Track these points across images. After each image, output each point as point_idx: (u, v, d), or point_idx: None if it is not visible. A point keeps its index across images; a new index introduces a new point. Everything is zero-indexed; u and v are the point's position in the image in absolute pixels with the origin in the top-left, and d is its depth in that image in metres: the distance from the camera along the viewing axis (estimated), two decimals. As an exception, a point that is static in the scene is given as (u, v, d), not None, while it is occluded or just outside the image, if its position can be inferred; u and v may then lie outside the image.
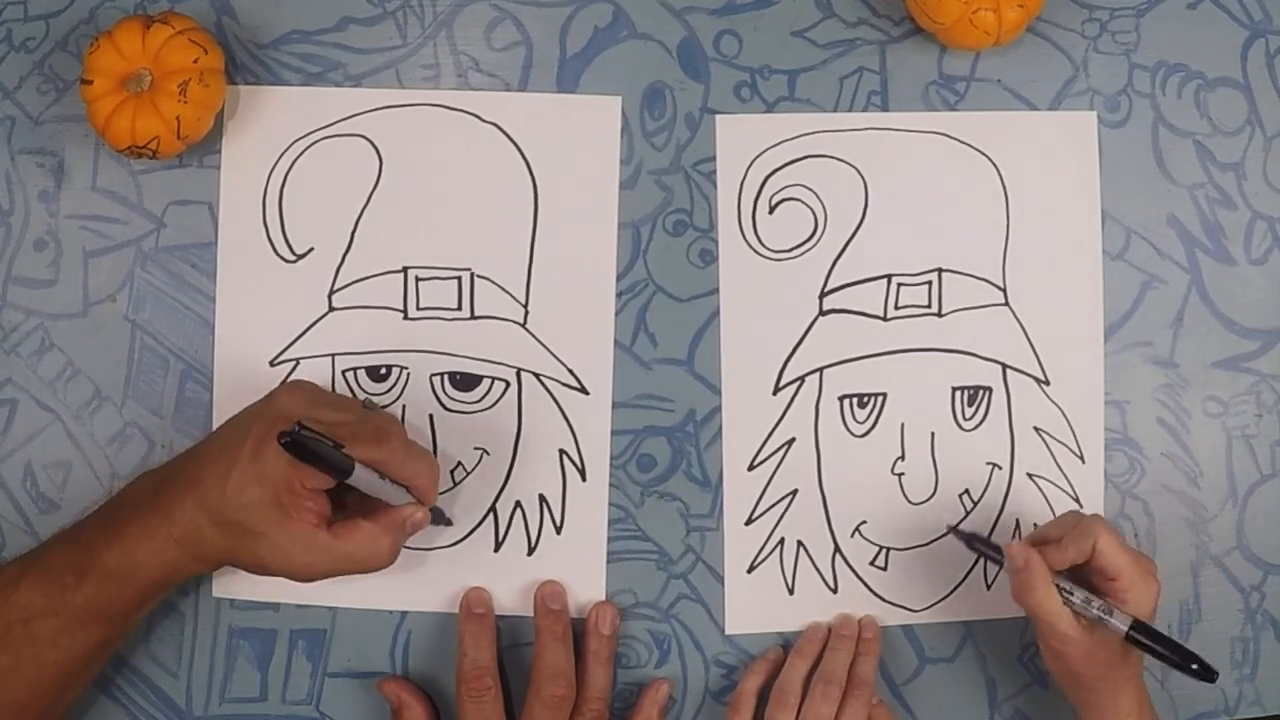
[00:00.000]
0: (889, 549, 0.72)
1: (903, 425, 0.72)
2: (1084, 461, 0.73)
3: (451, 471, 0.70)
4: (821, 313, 0.72)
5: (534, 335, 0.71)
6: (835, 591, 0.72)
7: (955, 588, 0.72)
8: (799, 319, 0.72)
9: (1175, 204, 0.74)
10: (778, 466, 0.72)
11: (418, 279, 0.71)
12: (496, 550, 0.71)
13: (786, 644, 0.72)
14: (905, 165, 0.72)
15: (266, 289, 0.70)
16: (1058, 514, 0.72)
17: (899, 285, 0.72)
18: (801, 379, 0.72)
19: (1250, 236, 0.74)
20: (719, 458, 0.72)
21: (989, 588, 0.73)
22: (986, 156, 0.73)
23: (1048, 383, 0.73)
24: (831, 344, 0.72)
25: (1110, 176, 0.73)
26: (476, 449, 0.71)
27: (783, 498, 0.72)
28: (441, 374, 0.71)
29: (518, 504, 0.71)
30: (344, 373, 0.71)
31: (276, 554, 0.61)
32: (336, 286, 0.71)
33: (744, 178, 0.72)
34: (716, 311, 0.72)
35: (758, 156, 0.72)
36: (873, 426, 0.72)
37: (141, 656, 0.70)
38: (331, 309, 0.71)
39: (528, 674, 0.68)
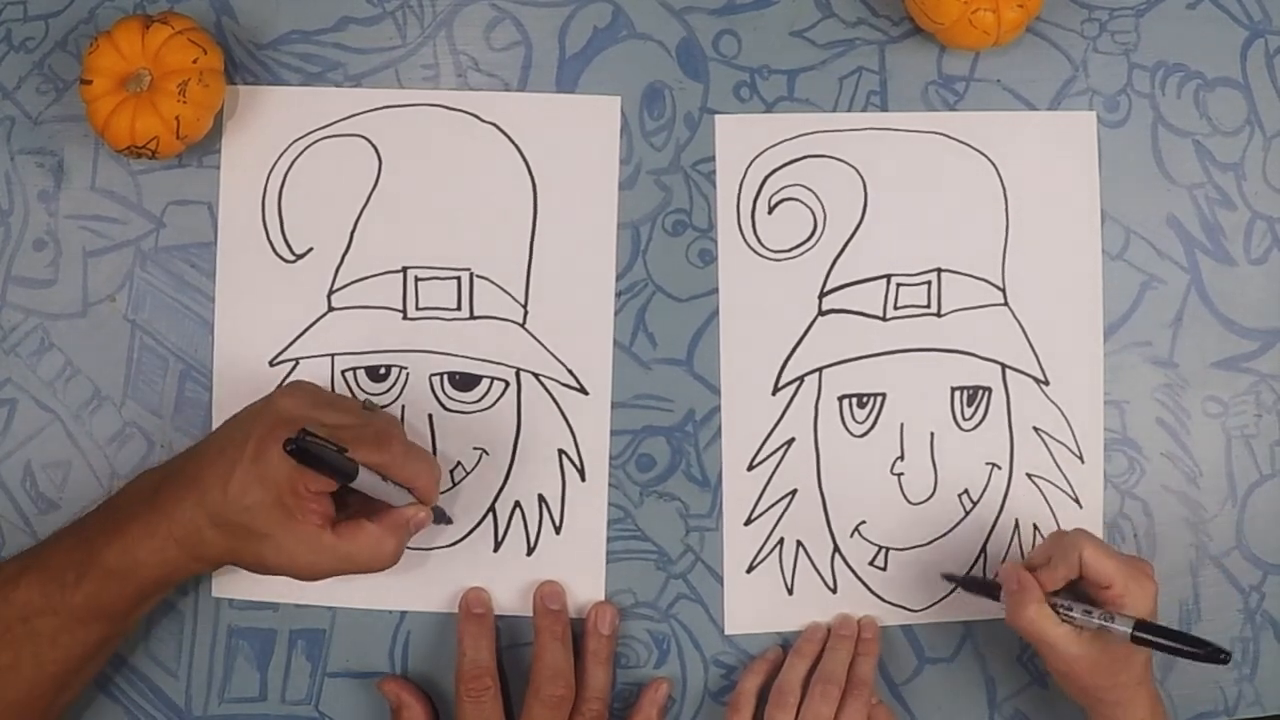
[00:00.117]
0: (888, 549, 0.72)
1: (902, 425, 0.72)
2: (1083, 461, 0.73)
3: (451, 471, 0.70)
4: (821, 313, 0.72)
5: (533, 335, 0.71)
6: (835, 591, 0.72)
7: (955, 588, 0.72)
8: (798, 319, 0.72)
9: (1175, 204, 0.74)
10: (777, 466, 0.72)
11: (417, 279, 0.71)
12: (496, 550, 0.71)
13: (786, 644, 0.72)
14: (904, 165, 0.72)
15: (266, 289, 0.70)
16: (1058, 514, 0.73)
17: (898, 285, 0.72)
18: (801, 379, 0.72)
19: (1250, 236, 0.74)
20: (718, 458, 0.72)
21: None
22: (986, 156, 0.73)
23: (1047, 383, 0.73)
24: (831, 344, 0.72)
25: (1110, 176, 0.73)
26: (476, 449, 0.71)
27: (782, 498, 0.72)
28: (441, 374, 0.71)
29: (517, 504, 0.71)
30: (343, 373, 0.71)
31: (280, 554, 0.61)
32: (336, 286, 0.71)
33: (743, 178, 0.72)
34: (716, 311, 0.72)
35: (757, 156, 0.72)
36: (872, 426, 0.72)
37: (141, 656, 0.70)
38: (331, 309, 0.71)
39: (527, 674, 0.68)
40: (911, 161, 0.73)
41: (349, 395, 0.70)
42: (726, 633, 0.72)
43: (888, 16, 0.73)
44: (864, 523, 0.72)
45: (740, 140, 0.72)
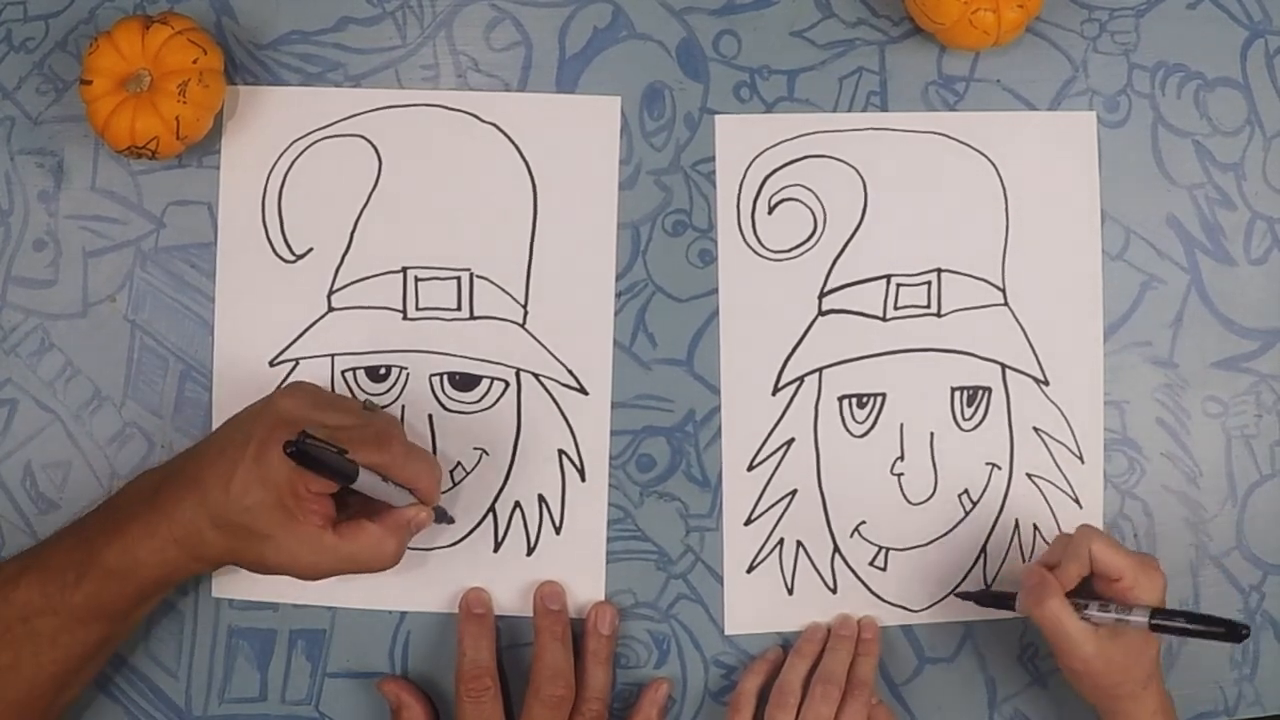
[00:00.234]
0: (888, 549, 0.72)
1: (902, 425, 0.72)
2: (1083, 462, 0.73)
3: (451, 472, 0.70)
4: (821, 313, 0.72)
5: (533, 335, 0.71)
6: (835, 592, 0.72)
7: (955, 587, 0.72)
8: (798, 319, 0.72)
9: (1175, 204, 0.74)
10: (777, 467, 0.72)
11: (417, 279, 0.71)
12: (496, 550, 0.71)
13: (786, 644, 0.72)
14: (904, 165, 0.72)
15: (266, 289, 0.70)
16: (1057, 514, 0.73)
17: (898, 285, 0.72)
18: (801, 379, 0.72)
19: (1250, 237, 0.74)
20: (718, 458, 0.72)
21: (989, 587, 0.72)
22: (986, 156, 0.73)
23: (1047, 383, 0.73)
24: (831, 344, 0.72)
25: (1110, 176, 0.73)
26: (476, 449, 0.71)
27: (782, 498, 0.72)
28: (441, 374, 0.71)
29: (517, 504, 0.71)
30: (343, 373, 0.71)
31: (281, 555, 0.61)
32: (336, 286, 0.71)
33: (743, 178, 0.72)
34: (716, 311, 0.72)
35: (757, 157, 0.72)
36: (872, 427, 0.72)
37: (141, 656, 0.70)
38: (331, 309, 0.71)
39: (527, 674, 0.68)
40: (911, 161, 0.73)
41: (349, 396, 0.70)
42: (726, 633, 0.72)
43: (888, 17, 0.73)
44: (864, 523, 0.72)
45: (740, 140, 0.72)
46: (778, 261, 0.72)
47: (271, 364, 0.70)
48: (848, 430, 0.72)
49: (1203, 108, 0.74)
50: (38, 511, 0.70)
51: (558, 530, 0.71)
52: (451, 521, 0.70)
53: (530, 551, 0.71)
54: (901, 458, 0.72)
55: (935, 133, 0.73)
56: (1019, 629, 0.73)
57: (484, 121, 0.71)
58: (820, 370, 0.72)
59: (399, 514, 0.63)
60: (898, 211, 0.72)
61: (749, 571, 0.72)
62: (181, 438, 0.70)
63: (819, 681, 0.68)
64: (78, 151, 0.71)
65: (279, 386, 0.69)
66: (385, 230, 0.71)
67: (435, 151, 0.71)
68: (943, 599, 0.72)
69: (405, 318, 0.71)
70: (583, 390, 0.71)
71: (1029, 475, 0.73)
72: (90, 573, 0.61)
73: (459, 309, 0.71)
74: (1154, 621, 0.62)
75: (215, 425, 0.69)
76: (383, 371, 0.71)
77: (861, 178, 0.72)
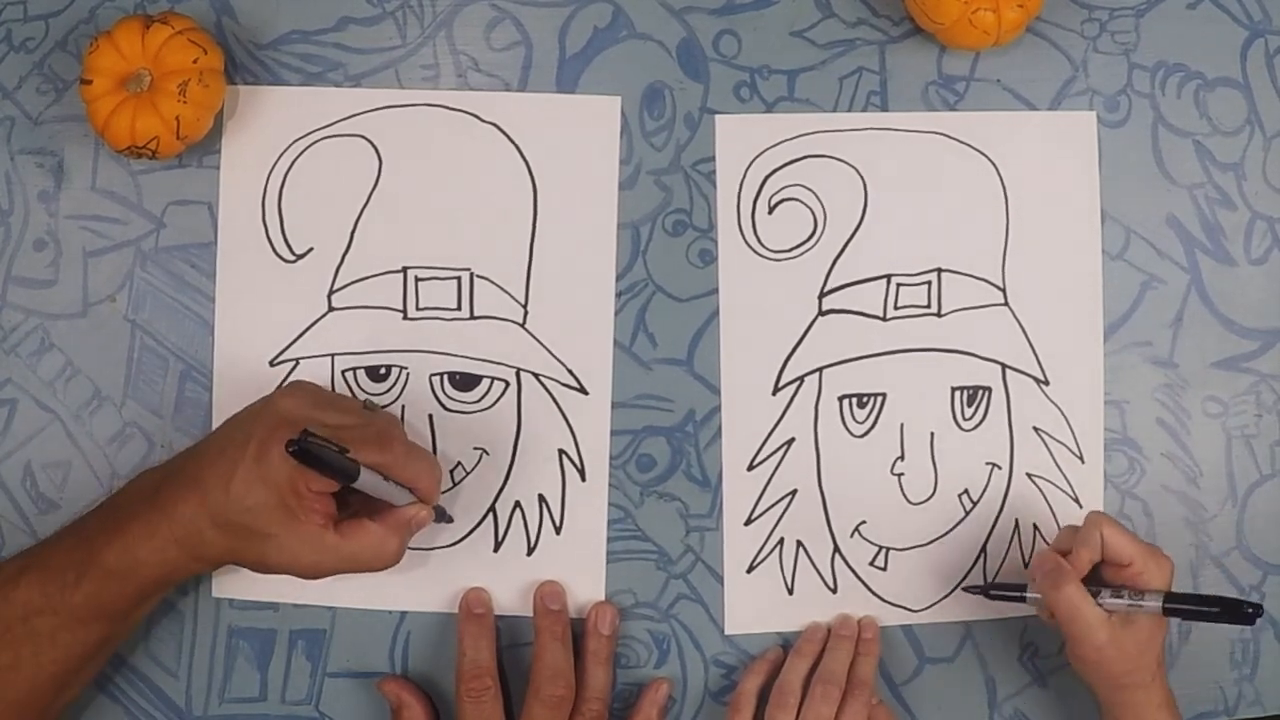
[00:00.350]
0: (889, 549, 0.72)
1: (902, 425, 0.72)
2: (1084, 461, 0.73)
3: (451, 471, 0.70)
4: (821, 313, 0.72)
5: (533, 335, 0.71)
6: (835, 591, 0.72)
7: (955, 588, 0.72)
8: (798, 319, 0.72)
9: (1175, 204, 0.74)
10: (777, 466, 0.72)
11: (417, 279, 0.71)
12: (496, 550, 0.71)
13: (786, 644, 0.72)
14: (905, 165, 0.72)
15: (266, 289, 0.70)
16: (1058, 514, 0.73)
17: (898, 285, 0.72)
18: (801, 379, 0.72)
19: (1250, 236, 0.74)
20: (718, 458, 0.72)
21: (989, 598, 0.72)
22: (986, 156, 0.73)
23: (1047, 383, 0.73)
24: (831, 344, 0.72)
25: (1110, 176, 0.73)
26: (476, 449, 0.71)
27: (782, 498, 0.72)
28: (441, 374, 0.71)
29: (517, 504, 0.71)
30: (344, 373, 0.71)
31: (283, 554, 0.61)
32: (336, 286, 0.71)
33: (743, 178, 0.72)
34: (716, 311, 0.72)
35: (757, 156, 0.72)
36: (872, 426, 0.72)
37: (141, 656, 0.70)
38: (331, 309, 0.71)
39: (527, 674, 0.68)
40: (911, 161, 0.73)
41: (349, 395, 0.70)
42: (727, 633, 0.72)
43: (888, 16, 0.73)
44: (864, 523, 0.72)
45: (740, 140, 0.72)
46: (778, 261, 0.72)
47: (272, 364, 0.70)
48: (848, 430, 0.72)
49: (1203, 108, 0.74)
50: (38, 511, 0.70)
51: (558, 530, 0.71)
52: (451, 520, 0.70)
53: (530, 551, 0.71)
54: (902, 457, 0.72)
55: (935, 133, 0.73)
56: (1019, 628, 0.73)
57: (484, 121, 0.71)
58: (820, 370, 0.72)
59: (400, 513, 0.63)
60: (898, 211, 0.72)
61: (749, 571, 0.72)
62: (181, 438, 0.70)
63: (819, 681, 0.68)
64: (78, 151, 0.71)
65: (279, 386, 0.68)
66: (385, 230, 0.71)
67: (435, 151, 0.71)
68: (943, 599, 0.72)
69: (405, 317, 0.71)
70: (583, 390, 0.71)
71: (1029, 475, 0.73)
72: (90, 572, 0.61)
73: (459, 309, 0.71)
74: (1167, 606, 0.63)
75: (215, 425, 0.69)
76: (383, 371, 0.71)
77: (861, 178, 0.72)
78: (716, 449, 0.72)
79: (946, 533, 0.72)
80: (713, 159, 0.72)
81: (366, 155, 0.71)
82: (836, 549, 0.72)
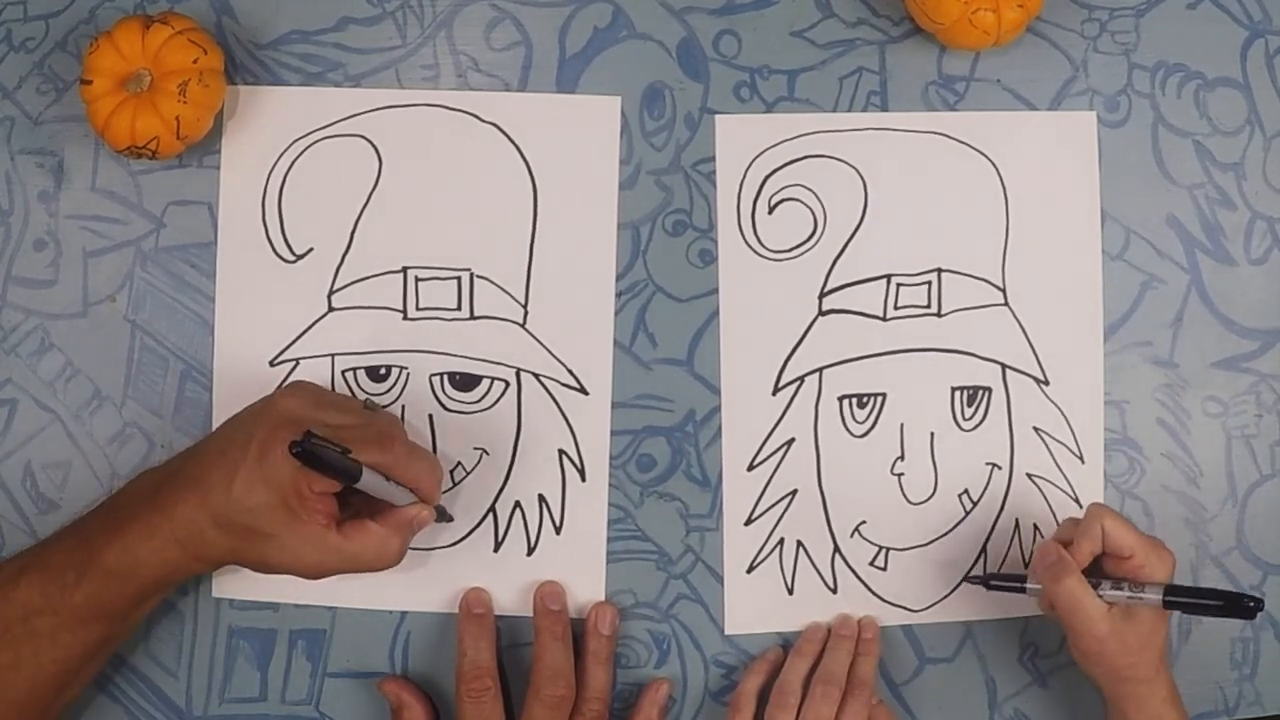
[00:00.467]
0: (889, 549, 0.72)
1: (902, 425, 0.72)
2: (1084, 461, 0.73)
3: (451, 472, 0.70)
4: (821, 313, 0.72)
5: (533, 335, 0.71)
6: (835, 591, 0.72)
7: (955, 588, 0.72)
8: (798, 319, 0.72)
9: (1175, 204, 0.74)
10: (777, 467, 0.72)
11: (417, 279, 0.71)
12: (496, 550, 0.71)
13: (786, 644, 0.72)
14: (905, 165, 0.72)
15: (266, 289, 0.70)
16: (1058, 514, 0.73)
17: (898, 285, 0.72)
18: (801, 379, 0.72)
19: (1250, 236, 0.74)
20: (718, 458, 0.72)
21: (989, 588, 0.72)
22: (986, 156, 0.73)
23: (1047, 383, 0.73)
24: (831, 344, 0.72)
25: (1110, 176, 0.73)
26: (476, 449, 0.71)
27: (782, 498, 0.72)
28: (441, 374, 0.71)
29: (517, 504, 0.71)
30: (344, 373, 0.71)
31: (284, 554, 0.61)
32: (336, 286, 0.71)
33: (743, 178, 0.72)
34: (716, 311, 0.72)
35: (757, 156, 0.72)
36: (872, 426, 0.72)
37: (141, 656, 0.70)
38: (331, 309, 0.71)
39: (527, 674, 0.68)
40: (911, 161, 0.73)
41: (350, 395, 0.70)
42: (727, 633, 0.72)
43: (888, 16, 0.73)
44: (864, 523, 0.72)
45: (740, 140, 0.72)
46: (778, 261, 0.72)
47: (272, 364, 0.70)
48: (848, 430, 0.72)
49: (1203, 108, 0.74)
50: (38, 511, 0.70)
51: (558, 530, 0.71)
52: (452, 520, 0.70)
53: (530, 551, 0.71)
54: (902, 457, 0.72)
55: (935, 133, 0.73)
56: (1020, 628, 0.73)
57: (484, 121, 0.71)
58: (820, 370, 0.72)
59: (401, 513, 0.63)
60: (898, 211, 0.72)
61: (749, 571, 0.72)
62: (182, 438, 0.70)
63: (819, 681, 0.68)
64: (78, 151, 0.71)
65: (279, 386, 0.68)
66: (385, 230, 0.71)
67: (435, 151, 0.71)
68: (943, 599, 0.72)
69: (405, 318, 0.71)
70: (583, 390, 0.71)
71: (1029, 475, 0.73)
72: (90, 572, 0.61)
73: (459, 309, 0.71)
74: (1168, 599, 0.63)
75: (215, 425, 0.69)
76: (383, 371, 0.71)
77: (862, 178, 0.72)
78: (716, 449, 0.72)
79: (946, 533, 0.72)
80: (713, 159, 0.72)
81: (366, 155, 0.71)
82: (836, 549, 0.72)
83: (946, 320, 0.72)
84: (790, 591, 0.72)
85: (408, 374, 0.71)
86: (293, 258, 0.71)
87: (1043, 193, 0.73)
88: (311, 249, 0.71)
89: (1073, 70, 0.74)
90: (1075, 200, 0.73)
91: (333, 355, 0.70)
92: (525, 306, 0.71)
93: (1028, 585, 0.67)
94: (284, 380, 0.70)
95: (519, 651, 0.71)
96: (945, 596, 0.72)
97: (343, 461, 0.58)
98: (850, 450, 0.72)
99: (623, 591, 0.71)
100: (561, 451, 0.71)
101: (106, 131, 0.66)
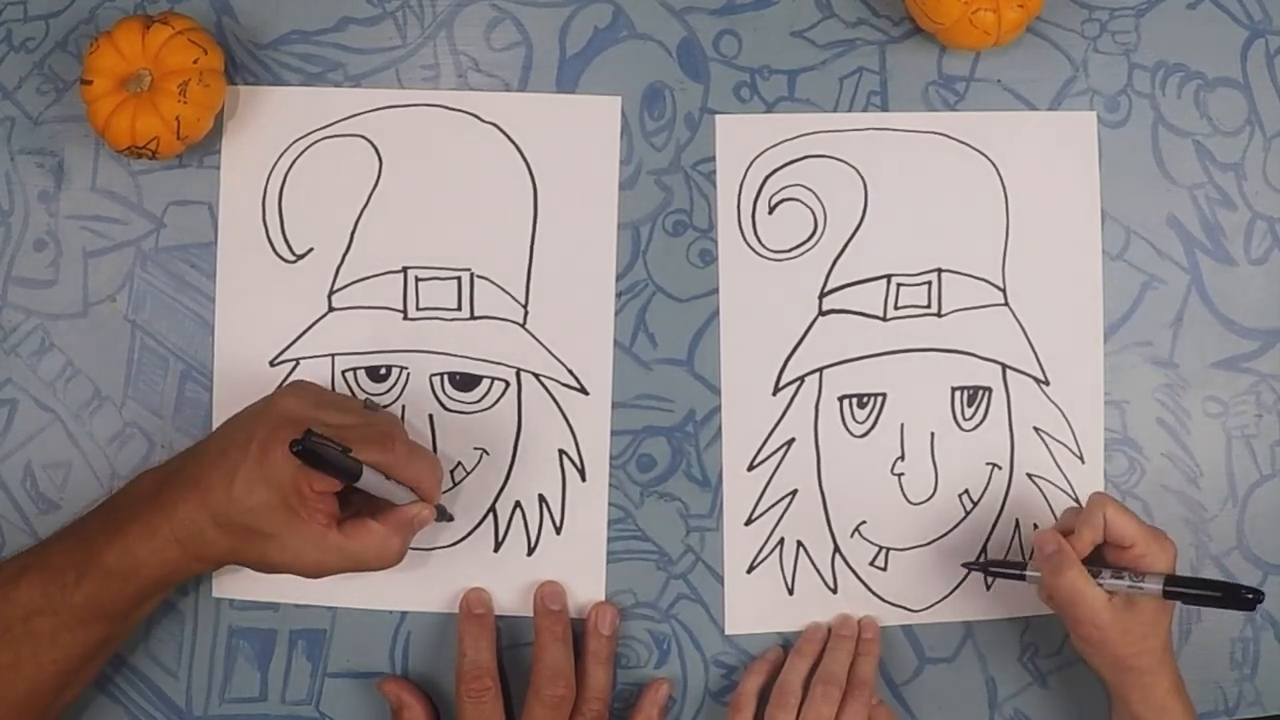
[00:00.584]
0: (889, 549, 0.72)
1: (902, 425, 0.72)
2: (1084, 461, 0.73)
3: (451, 472, 0.70)
4: (821, 313, 0.72)
5: (534, 335, 0.71)
6: (835, 592, 0.72)
7: (955, 588, 0.72)
8: (798, 319, 0.72)
9: (1175, 204, 0.74)
10: (777, 467, 0.72)
11: (417, 279, 0.71)
12: (496, 550, 0.71)
13: (786, 644, 0.72)
14: (905, 165, 0.72)
15: (266, 289, 0.70)
16: (1058, 514, 0.72)
17: (898, 285, 0.72)
18: (801, 379, 0.72)
19: (1250, 236, 0.74)
20: (719, 458, 0.72)
21: (989, 588, 0.73)
22: (986, 156, 0.73)
23: (1047, 383, 0.73)
24: (831, 344, 0.72)
25: (1110, 176, 0.73)
26: (476, 449, 0.71)
27: (782, 498, 0.72)
28: (441, 374, 0.71)
29: (517, 504, 0.71)
30: (344, 373, 0.71)
31: (285, 554, 0.61)
32: (336, 287, 0.71)
33: (744, 178, 0.72)
34: (716, 311, 0.72)
35: (757, 157, 0.72)
36: (872, 426, 0.72)
37: (141, 656, 0.70)
38: (331, 309, 0.71)
39: (528, 674, 0.68)
40: (912, 161, 0.73)
41: (350, 395, 0.70)
42: (727, 633, 0.72)
43: (888, 17, 0.73)
44: (864, 523, 0.72)
45: (741, 140, 0.72)
46: (778, 261, 0.72)
47: (272, 364, 0.70)
48: (848, 430, 0.72)
49: (1203, 108, 0.74)
50: (38, 511, 0.70)
51: (558, 530, 0.71)
52: (452, 519, 0.70)
53: (530, 551, 0.71)
54: (902, 458, 0.72)
55: (935, 133, 0.73)
56: (1020, 628, 0.73)
57: (484, 121, 0.71)
58: (820, 370, 0.72)
59: (402, 512, 0.63)
60: (898, 211, 0.72)
61: (749, 571, 0.72)
62: (182, 438, 0.70)
63: (819, 681, 0.68)
64: (78, 151, 0.71)
65: (279, 386, 0.68)
66: (385, 230, 0.71)
67: (435, 151, 0.71)
68: (943, 599, 0.72)
69: (406, 318, 0.71)
70: (583, 390, 0.71)
71: (1029, 475, 0.73)
72: (90, 573, 0.61)
73: (459, 309, 0.71)
74: (1167, 588, 0.63)
75: (216, 425, 0.69)
76: (383, 371, 0.71)
77: (862, 178, 0.72)
78: (717, 449, 0.72)
79: (947, 533, 0.72)
80: (713, 159, 0.72)
81: (367, 155, 0.71)
82: (837, 549, 0.72)
83: (947, 320, 0.72)
84: (790, 591, 0.72)
85: (408, 374, 0.71)
86: (293, 258, 0.71)
87: (1043, 193, 0.73)
88: (312, 249, 0.71)
89: (1073, 70, 0.74)
90: (1075, 200, 0.73)
91: (333, 355, 0.70)
92: (525, 306, 0.71)
93: (1027, 574, 0.67)
94: (284, 380, 0.70)
95: (519, 651, 0.71)
96: (945, 596, 0.72)
97: (343, 460, 0.58)
98: (850, 450, 0.72)
99: (623, 591, 0.71)
100: (562, 451, 0.71)
101: (107, 131, 0.66)
